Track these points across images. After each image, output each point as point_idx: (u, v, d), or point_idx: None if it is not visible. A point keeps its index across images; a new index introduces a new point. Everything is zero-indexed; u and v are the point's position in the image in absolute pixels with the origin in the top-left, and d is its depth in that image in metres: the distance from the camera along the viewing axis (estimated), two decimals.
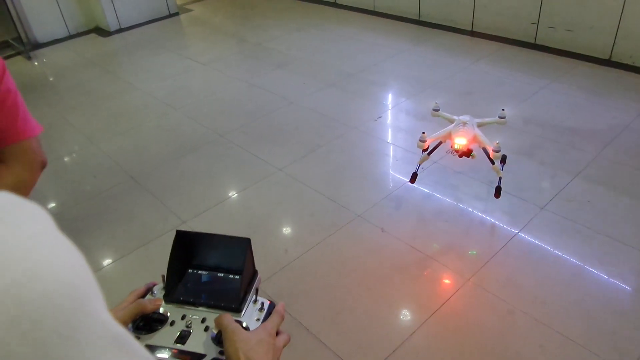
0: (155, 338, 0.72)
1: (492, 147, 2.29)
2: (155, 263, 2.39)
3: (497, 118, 2.51)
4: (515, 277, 2.19)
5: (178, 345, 0.70)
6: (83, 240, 2.61)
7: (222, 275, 0.82)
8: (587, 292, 2.09)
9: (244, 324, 0.73)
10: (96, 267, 2.45)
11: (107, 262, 2.49)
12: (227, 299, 0.76)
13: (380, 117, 3.55)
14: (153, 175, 3.12)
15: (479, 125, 2.50)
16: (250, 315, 0.75)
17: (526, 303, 2.06)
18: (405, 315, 2.08)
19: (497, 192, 2.47)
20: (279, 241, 2.52)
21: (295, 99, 3.87)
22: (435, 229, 2.47)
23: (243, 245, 0.78)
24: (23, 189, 0.97)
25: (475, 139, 2.37)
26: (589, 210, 2.51)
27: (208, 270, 0.83)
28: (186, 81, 4.46)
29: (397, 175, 2.93)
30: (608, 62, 3.91)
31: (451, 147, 2.37)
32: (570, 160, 2.89)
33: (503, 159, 2.63)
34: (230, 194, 2.90)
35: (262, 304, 0.78)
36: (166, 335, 0.72)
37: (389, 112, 3.63)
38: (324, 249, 2.42)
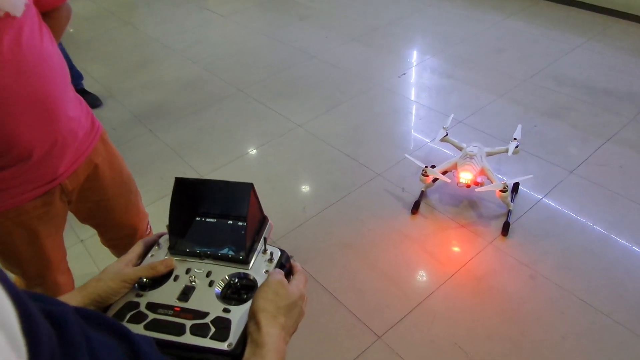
0: (157, 295, 0.67)
1: (500, 189, 2.10)
2: None
3: (508, 146, 2.28)
4: (538, 242, 2.12)
5: (180, 302, 0.66)
6: None
7: (231, 222, 0.76)
8: (614, 261, 2.02)
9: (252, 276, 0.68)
10: None
11: None
12: (234, 250, 0.71)
13: (404, 74, 3.42)
14: (171, 128, 3.08)
15: (489, 154, 2.30)
16: (259, 267, 0.70)
17: (549, 269, 2.00)
18: (423, 276, 2.05)
19: (505, 229, 2.15)
20: (297, 198, 2.48)
21: (317, 53, 3.75)
22: (458, 191, 2.40)
23: (246, 191, 0.71)
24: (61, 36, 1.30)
25: (482, 172, 2.20)
26: (621, 176, 2.40)
27: (216, 217, 0.78)
28: (205, 33, 4.36)
29: (420, 135, 2.84)
30: None
31: (456, 180, 2.22)
32: (603, 123, 2.76)
33: (515, 188, 2.36)
34: (248, 150, 2.86)
35: (272, 254, 0.72)
36: (169, 291, 0.68)
37: (414, 68, 3.49)
38: (343, 208, 2.38)
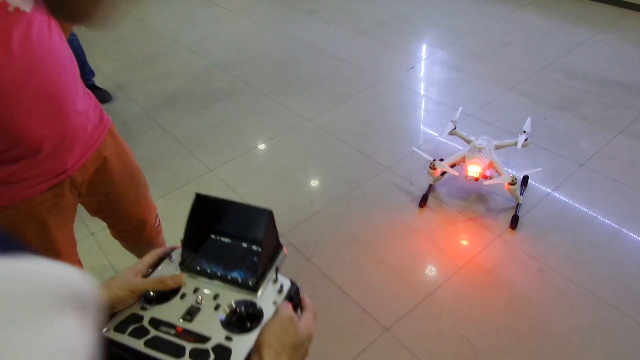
0: (162, 311, 0.66)
1: (508, 182, 2.09)
2: (182, 210, 2.39)
3: (517, 139, 2.25)
4: (548, 236, 2.11)
5: (183, 322, 0.65)
6: None
7: (245, 245, 0.75)
8: (624, 254, 2.00)
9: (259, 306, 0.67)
10: None
11: None
12: (245, 275, 0.70)
13: (413, 68, 3.41)
14: (180, 123, 3.10)
15: (498, 148, 2.29)
16: (268, 296, 0.68)
17: (558, 262, 1.99)
18: (431, 269, 2.05)
19: (514, 222, 2.15)
20: (305, 192, 2.49)
21: (326, 47, 3.75)
22: (467, 185, 2.39)
23: (264, 217, 0.70)
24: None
25: (491, 165, 2.18)
26: (632, 170, 2.38)
27: (231, 238, 0.76)
28: (215, 28, 4.37)
29: (428, 129, 2.83)
30: None
31: (464, 173, 2.22)
32: (615, 116, 2.73)
33: (524, 181, 2.35)
34: (257, 144, 2.87)
35: (282, 285, 0.69)
36: (174, 309, 0.67)
37: (422, 62, 3.48)
38: (351, 201, 2.38)
